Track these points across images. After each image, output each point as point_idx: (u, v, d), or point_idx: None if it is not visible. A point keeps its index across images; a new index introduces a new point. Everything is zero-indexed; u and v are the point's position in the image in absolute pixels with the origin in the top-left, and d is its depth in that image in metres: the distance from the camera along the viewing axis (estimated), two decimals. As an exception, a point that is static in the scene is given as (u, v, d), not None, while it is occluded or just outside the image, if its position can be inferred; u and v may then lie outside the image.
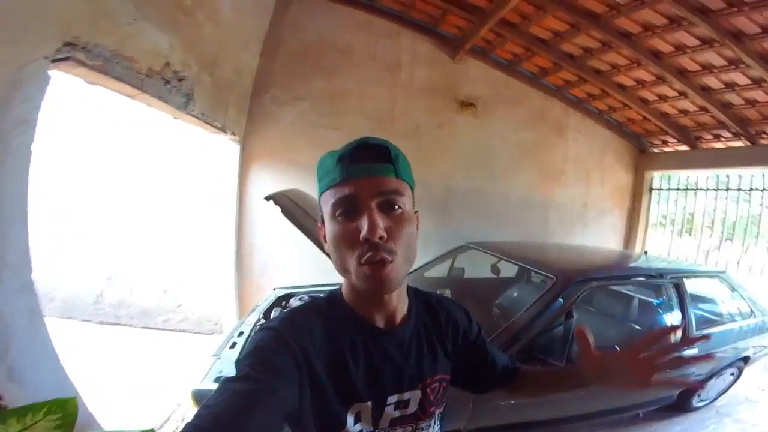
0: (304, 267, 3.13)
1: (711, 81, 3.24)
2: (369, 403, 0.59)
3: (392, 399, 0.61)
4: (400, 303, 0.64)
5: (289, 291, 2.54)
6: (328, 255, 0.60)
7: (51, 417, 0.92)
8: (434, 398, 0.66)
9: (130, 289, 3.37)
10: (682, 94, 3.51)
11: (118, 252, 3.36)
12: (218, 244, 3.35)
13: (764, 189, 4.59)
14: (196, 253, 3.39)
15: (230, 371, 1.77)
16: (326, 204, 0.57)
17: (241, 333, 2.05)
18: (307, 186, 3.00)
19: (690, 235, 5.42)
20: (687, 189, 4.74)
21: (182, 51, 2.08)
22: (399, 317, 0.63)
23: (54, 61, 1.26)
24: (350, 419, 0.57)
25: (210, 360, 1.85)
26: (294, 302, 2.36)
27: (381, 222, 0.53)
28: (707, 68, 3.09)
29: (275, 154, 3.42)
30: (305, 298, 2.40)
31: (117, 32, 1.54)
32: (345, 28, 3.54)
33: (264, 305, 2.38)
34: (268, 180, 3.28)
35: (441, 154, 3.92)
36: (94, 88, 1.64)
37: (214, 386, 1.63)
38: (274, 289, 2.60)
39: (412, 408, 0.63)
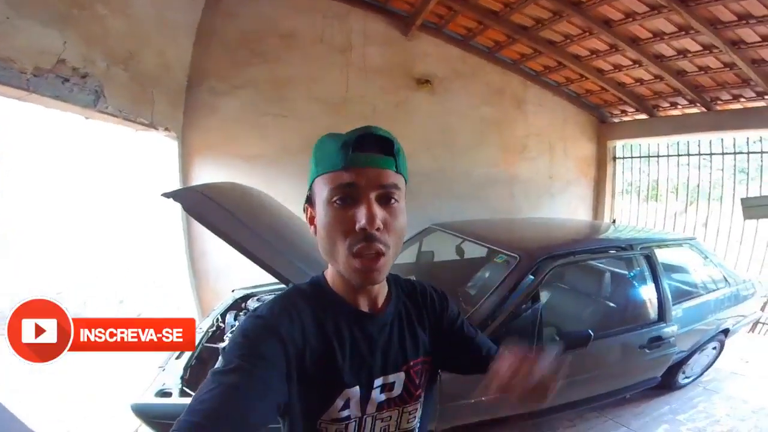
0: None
1: (663, 48, 3.17)
2: (357, 388, 0.59)
3: (378, 382, 0.62)
4: (381, 288, 0.65)
5: (248, 292, 2.45)
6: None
7: None
8: (419, 381, 0.67)
9: (84, 302, 3.25)
10: (637, 63, 3.45)
11: (66, 265, 3.23)
12: (169, 248, 3.21)
13: (722, 153, 4.64)
14: (148, 261, 3.27)
15: (174, 384, 1.71)
16: (322, 188, 0.56)
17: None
18: (256, 178, 2.90)
19: (655, 200, 5.51)
20: (649, 156, 4.76)
21: (82, 47, 1.94)
22: (380, 301, 0.64)
23: None
24: (338, 406, 0.57)
25: (154, 372, 1.75)
26: (252, 303, 2.28)
27: (379, 213, 0.53)
28: (658, 35, 3.03)
29: (218, 147, 3.25)
30: (264, 298, 2.32)
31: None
32: (286, 12, 3.34)
33: (220, 309, 2.30)
34: (213, 175, 3.10)
35: (400, 134, 3.36)
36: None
37: (155, 400, 1.62)
38: (233, 291, 2.51)
39: (397, 390, 0.64)
